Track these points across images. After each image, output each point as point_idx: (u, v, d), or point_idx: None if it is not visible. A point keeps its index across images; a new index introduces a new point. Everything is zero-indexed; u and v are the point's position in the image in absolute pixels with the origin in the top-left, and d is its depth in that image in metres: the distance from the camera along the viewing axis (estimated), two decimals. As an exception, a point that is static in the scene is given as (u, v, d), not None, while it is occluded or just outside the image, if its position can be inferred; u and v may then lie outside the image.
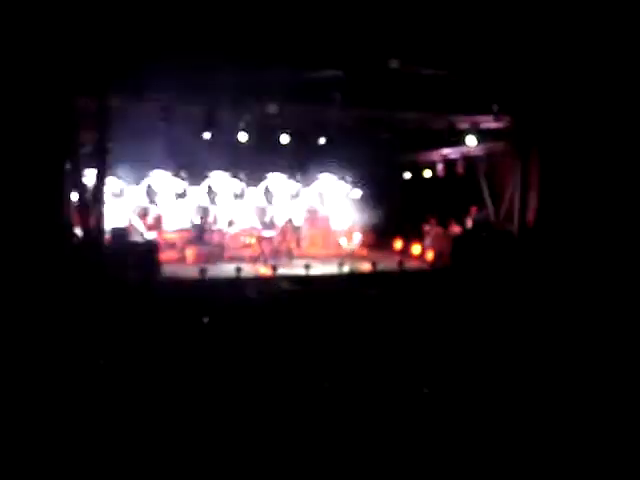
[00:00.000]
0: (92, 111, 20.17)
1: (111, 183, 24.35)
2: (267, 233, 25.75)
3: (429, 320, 16.79)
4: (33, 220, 18.49)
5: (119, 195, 25.47)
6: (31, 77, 18.37)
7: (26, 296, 16.36)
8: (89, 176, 21.21)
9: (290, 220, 27.27)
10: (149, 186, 26.25)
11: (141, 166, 25.38)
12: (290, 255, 25.21)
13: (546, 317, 17.10)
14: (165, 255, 23.57)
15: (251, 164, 27.27)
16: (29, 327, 14.54)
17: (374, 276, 22.75)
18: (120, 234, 21.45)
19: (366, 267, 23.57)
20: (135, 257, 20.48)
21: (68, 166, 19.76)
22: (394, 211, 27.99)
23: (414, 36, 20.52)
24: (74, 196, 20.51)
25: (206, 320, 16.28)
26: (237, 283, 21.02)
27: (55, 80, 18.89)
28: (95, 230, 20.18)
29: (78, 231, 20.65)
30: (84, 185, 20.68)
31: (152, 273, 20.52)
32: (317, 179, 29.20)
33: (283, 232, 26.20)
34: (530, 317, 17.18)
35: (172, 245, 25.13)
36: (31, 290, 16.64)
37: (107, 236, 21.16)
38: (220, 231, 25.98)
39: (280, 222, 27.12)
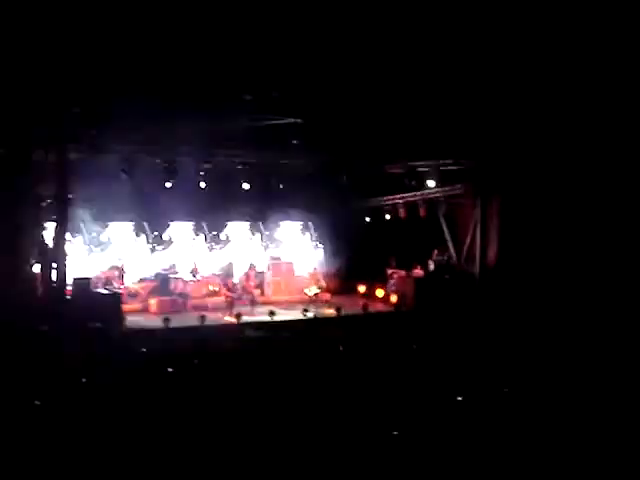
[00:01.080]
0: (50, 164, 20.16)
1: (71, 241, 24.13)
2: (230, 281, 25.67)
3: (393, 362, 16.78)
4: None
5: (80, 246, 25.24)
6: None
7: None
8: (49, 229, 21.08)
9: (252, 267, 27.26)
10: (110, 237, 26.07)
11: (102, 217, 25.21)
12: (253, 302, 25.11)
13: (508, 355, 17.21)
14: (128, 305, 23.37)
15: (213, 212, 27.24)
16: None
17: (339, 320, 22.76)
18: (82, 285, 21.25)
19: (330, 312, 23.58)
20: (98, 307, 20.31)
21: (27, 219, 19.68)
22: (357, 255, 28.06)
23: (374, 85, 20.79)
24: (35, 249, 20.42)
25: (170, 370, 16.12)
26: (201, 332, 20.90)
27: (12, 134, 18.87)
28: (58, 283, 20.03)
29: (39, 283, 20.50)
30: (44, 238, 20.54)
31: (115, 323, 20.34)
32: (279, 225, 29.22)
33: (246, 279, 26.15)
34: (492, 355, 17.27)
35: (135, 295, 24.92)
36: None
37: (69, 287, 20.98)
38: (183, 280, 25.84)
39: (242, 269, 27.08)
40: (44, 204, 20.70)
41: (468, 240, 25.38)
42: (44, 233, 20.82)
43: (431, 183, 25.09)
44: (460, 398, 13.71)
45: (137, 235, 26.42)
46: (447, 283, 24.77)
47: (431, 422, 12.44)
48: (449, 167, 24.68)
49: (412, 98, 21.47)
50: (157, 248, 26.84)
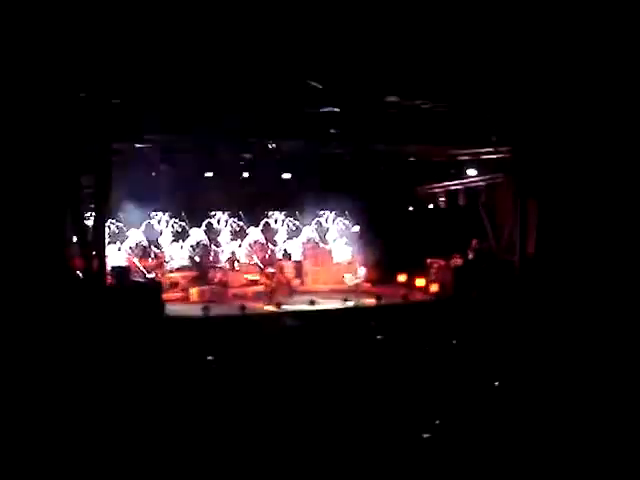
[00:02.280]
0: (91, 154, 20.27)
1: (111, 225, 24.33)
2: (269, 270, 25.66)
3: (433, 352, 16.70)
4: (35, 263, 18.48)
5: (120, 234, 25.36)
6: (36, 124, 18.47)
7: (30, 338, 16.30)
8: (90, 218, 21.22)
9: (287, 255, 27.25)
10: (150, 227, 26.19)
11: (142, 207, 25.36)
12: (291, 291, 25.09)
13: (547, 342, 17.04)
14: (169, 294, 23.46)
15: (251, 202, 27.28)
16: (35, 368, 14.47)
17: (378, 309, 22.66)
18: (121, 274, 21.35)
19: (370, 301, 23.49)
20: (137, 296, 20.40)
21: (69, 209, 19.82)
22: (397, 244, 27.90)
23: (412, 71, 20.61)
24: (75, 239, 20.56)
25: (210, 358, 16.18)
26: (241, 321, 20.93)
27: (58, 126, 18.98)
28: (96, 271, 20.14)
29: (80, 273, 20.64)
30: (85, 228, 20.67)
31: (155, 313, 20.42)
32: (319, 214, 29.17)
33: (280, 268, 26.11)
34: (531, 343, 17.11)
35: (175, 285, 25.03)
36: (35, 332, 16.57)
37: (108, 277, 21.08)
38: (223, 270, 25.91)
39: (280, 259, 27.11)
40: (85, 194, 20.80)
41: (508, 229, 25.12)
42: (85, 223, 20.94)
43: (471, 172, 24.87)
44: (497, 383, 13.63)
45: (177, 224, 26.51)
46: (487, 272, 24.53)
47: (469, 412, 12.37)
48: (489, 156, 24.43)
49: (453, 86, 21.26)
50: (197, 237, 26.91)
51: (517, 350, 16.72)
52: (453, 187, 26.63)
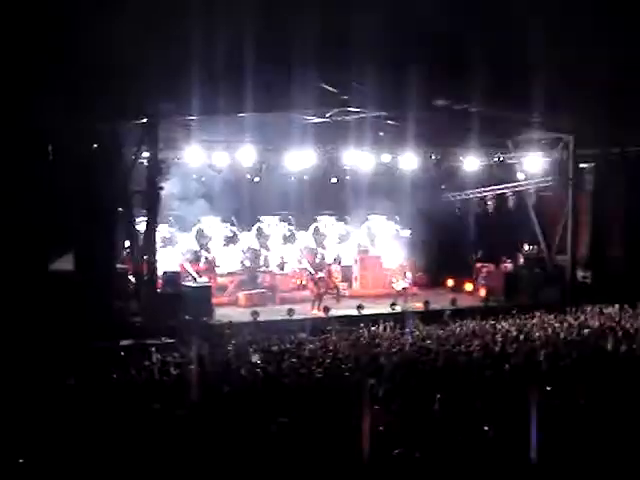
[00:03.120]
0: (141, 159, 20.61)
1: (162, 230, 24.66)
2: (318, 274, 25.74)
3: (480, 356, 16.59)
4: (88, 268, 18.84)
5: (170, 241, 25.68)
6: (88, 132, 18.88)
7: (85, 340, 16.65)
8: (140, 223, 21.55)
9: (337, 261, 27.30)
10: (200, 231, 26.48)
11: (192, 212, 25.66)
12: (339, 295, 25.14)
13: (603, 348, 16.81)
14: (217, 298, 23.69)
15: (300, 207, 27.42)
16: (86, 370, 14.74)
17: (426, 314, 22.59)
18: (172, 279, 21.62)
19: (418, 305, 23.45)
20: (188, 301, 20.64)
21: (120, 215, 20.17)
22: (445, 249, 27.84)
23: (461, 75, 20.56)
24: (127, 244, 20.93)
25: (257, 360, 16.28)
26: (289, 325, 21.02)
27: (105, 129, 19.33)
28: (148, 276, 20.44)
29: (131, 277, 20.99)
30: (136, 233, 20.98)
31: (205, 316, 20.64)
32: (367, 219, 29.21)
33: (329, 273, 26.15)
34: (584, 348, 16.89)
35: (224, 288, 25.28)
36: (90, 335, 16.92)
37: (159, 281, 21.37)
38: (271, 273, 26.08)
39: (329, 263, 27.17)
40: (135, 199, 21.13)
41: (559, 233, 24.90)
42: (136, 227, 21.26)
43: (521, 175, 24.74)
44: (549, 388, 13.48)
45: (226, 229, 26.76)
46: (537, 276, 24.35)
47: (521, 420, 12.29)
48: (540, 159, 24.28)
49: (501, 90, 21.16)
50: (246, 241, 27.13)
51: (569, 354, 16.51)
52: (502, 191, 26.44)
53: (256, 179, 24.27)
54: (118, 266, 20.97)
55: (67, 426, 10.68)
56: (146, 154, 20.55)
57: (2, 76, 16.87)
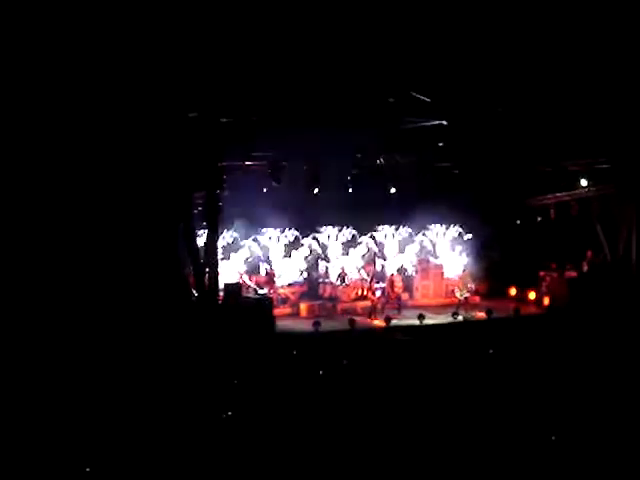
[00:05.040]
0: (202, 171, 20.80)
1: (225, 236, 24.92)
2: (378, 285, 25.63)
3: (545, 366, 16.38)
4: (154, 282, 19.08)
5: (232, 250, 25.78)
6: (149, 144, 19.12)
7: (152, 351, 16.85)
8: (202, 235, 21.74)
9: (399, 271, 27.16)
10: (260, 243, 26.58)
11: (252, 224, 25.82)
12: (400, 305, 25.00)
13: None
14: (279, 310, 23.77)
15: (360, 217, 27.34)
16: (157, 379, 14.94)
17: (489, 324, 22.38)
18: (233, 291, 21.71)
19: (481, 315, 23.23)
20: (249, 313, 20.71)
21: (181, 227, 20.38)
22: (508, 257, 27.51)
23: (520, 81, 20.38)
24: (188, 256, 21.09)
25: (321, 373, 16.30)
26: (351, 335, 21.01)
27: (170, 146, 19.56)
28: (209, 289, 20.59)
29: (194, 291, 21.16)
30: (197, 246, 21.16)
31: (267, 328, 20.70)
32: (427, 228, 29.02)
33: (391, 283, 26.02)
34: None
35: (285, 299, 25.36)
36: (152, 350, 17.10)
37: (220, 293, 21.50)
38: (332, 284, 26.06)
39: (390, 273, 27.02)
40: (196, 211, 21.34)
41: (624, 240, 24.42)
42: (197, 240, 21.46)
43: (583, 182, 24.35)
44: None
45: (286, 239, 26.82)
46: (602, 284, 23.88)
47: (589, 424, 12.10)
48: (602, 166, 23.87)
49: (562, 96, 20.89)
50: (306, 253, 27.16)
51: (635, 364, 16.21)
52: (565, 198, 26.05)
53: (315, 190, 24.24)
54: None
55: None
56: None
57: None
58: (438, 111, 21.35)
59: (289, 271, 26.63)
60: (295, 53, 18.53)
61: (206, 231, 21.28)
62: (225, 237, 25.14)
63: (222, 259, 24.01)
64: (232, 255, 25.65)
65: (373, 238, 28.13)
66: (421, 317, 22.36)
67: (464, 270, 27.43)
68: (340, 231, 27.81)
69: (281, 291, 25.60)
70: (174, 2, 16.94)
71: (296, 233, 27.04)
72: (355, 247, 27.81)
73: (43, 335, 16.80)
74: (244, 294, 22.90)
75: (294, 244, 27.03)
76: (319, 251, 27.30)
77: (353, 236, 27.93)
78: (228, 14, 17.26)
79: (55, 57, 16.83)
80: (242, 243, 26.07)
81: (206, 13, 17.13)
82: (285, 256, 26.86)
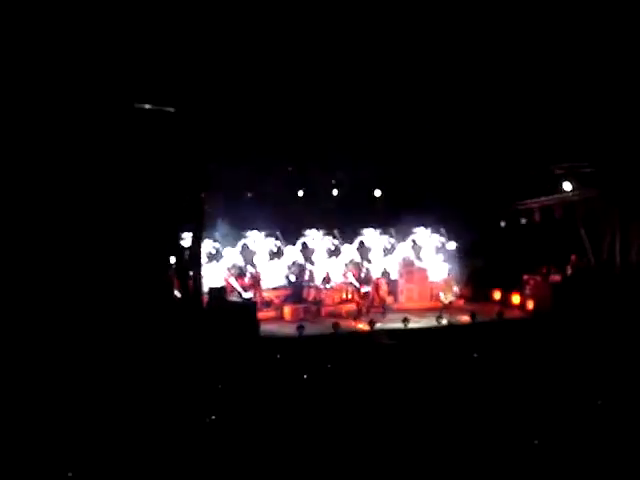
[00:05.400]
0: (186, 175, 20.74)
1: (207, 245, 24.79)
2: (363, 288, 25.63)
3: (529, 369, 16.40)
4: (138, 284, 19.00)
5: (215, 256, 25.73)
6: (134, 152, 19.08)
7: (135, 354, 16.79)
8: (186, 239, 21.66)
9: (383, 274, 27.17)
10: (245, 246, 26.51)
11: (236, 227, 25.74)
12: (385, 309, 24.99)
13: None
14: (262, 313, 23.73)
15: (345, 220, 27.31)
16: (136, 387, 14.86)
17: (473, 327, 22.40)
18: (217, 294, 21.66)
19: (465, 319, 23.25)
20: (233, 316, 20.66)
21: (164, 229, 20.30)
22: (491, 261, 27.53)
23: (506, 85, 20.49)
24: (172, 259, 21.02)
25: (305, 377, 16.27)
26: (335, 339, 20.99)
27: (154, 145, 19.50)
28: (193, 291, 20.53)
29: (177, 293, 21.08)
30: (182, 248, 21.11)
31: (251, 332, 20.66)
32: (412, 232, 29.02)
33: (376, 286, 26.05)
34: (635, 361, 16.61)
35: (269, 303, 25.31)
36: (139, 350, 17.05)
37: (205, 296, 21.44)
38: (316, 288, 26.03)
39: (375, 277, 27.01)
40: (181, 214, 21.26)
41: (607, 244, 24.50)
42: (181, 243, 21.40)
43: (567, 186, 24.39)
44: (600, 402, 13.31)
45: (270, 244, 26.76)
46: (586, 288, 23.93)
47: (572, 429, 12.12)
48: (586, 169, 23.93)
49: (548, 99, 21.01)
50: (290, 256, 27.12)
51: (618, 369, 16.25)
52: (548, 202, 26.10)
53: (299, 193, 24.21)
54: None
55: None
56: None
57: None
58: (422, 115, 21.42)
59: (274, 275, 26.59)
60: (281, 55, 18.56)
61: (191, 234, 21.23)
62: (209, 243, 25.11)
63: (207, 262, 23.98)
64: (216, 259, 25.62)
65: (358, 242, 28.10)
66: (405, 321, 22.35)
67: (449, 274, 27.48)
68: (326, 235, 27.73)
69: (265, 294, 25.55)
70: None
71: (281, 236, 26.96)
72: (340, 250, 27.76)
73: (25, 330, 16.73)
74: (229, 297, 22.84)
75: (279, 248, 26.96)
76: (304, 254, 27.25)
77: (338, 240, 27.85)
78: (215, 14, 17.30)
79: (41, 52, 16.80)
80: (226, 248, 25.99)
81: (195, 13, 17.17)
82: (270, 259, 26.80)
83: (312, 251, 27.55)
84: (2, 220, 17.54)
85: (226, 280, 24.84)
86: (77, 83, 17.49)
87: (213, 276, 24.33)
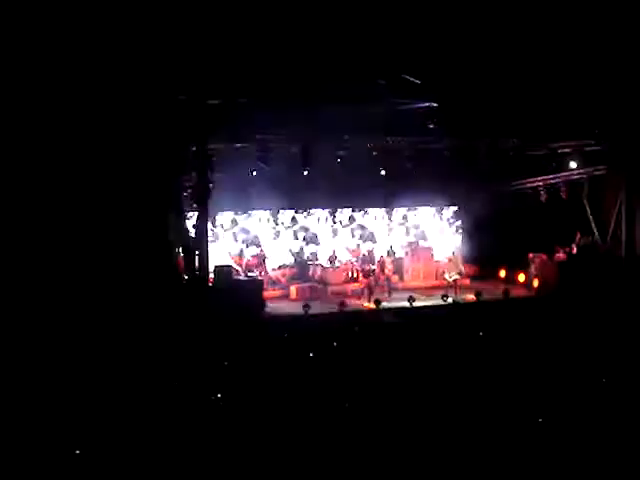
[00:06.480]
0: (191, 154, 20.70)
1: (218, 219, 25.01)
2: (369, 267, 25.63)
3: (535, 348, 16.42)
4: (143, 265, 19.01)
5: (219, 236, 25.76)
6: (136, 127, 19.00)
7: (141, 334, 16.83)
8: (192, 218, 21.65)
9: (390, 253, 27.18)
10: (250, 225, 26.51)
11: (243, 206, 25.75)
12: (390, 288, 25.02)
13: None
14: (268, 292, 23.78)
15: (350, 199, 27.26)
16: (145, 362, 14.93)
17: (479, 306, 22.43)
18: (223, 273, 21.67)
19: (470, 297, 23.26)
20: (240, 295, 20.70)
21: (171, 211, 20.29)
22: (497, 240, 27.50)
23: (512, 60, 20.36)
24: (178, 238, 21.01)
25: (312, 355, 16.30)
26: (340, 318, 21.03)
27: (157, 129, 19.44)
28: (199, 271, 20.54)
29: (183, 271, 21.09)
30: (187, 228, 21.10)
31: (257, 310, 20.71)
32: (417, 210, 28.99)
33: (381, 265, 26.06)
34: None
35: (275, 282, 25.37)
36: (142, 333, 17.08)
37: (211, 275, 21.46)
38: (322, 267, 26.06)
39: (380, 255, 27.02)
40: (186, 194, 21.24)
41: (613, 222, 24.46)
42: (187, 222, 21.39)
43: (573, 164, 24.32)
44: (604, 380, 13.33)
45: (276, 223, 26.74)
46: (591, 267, 23.91)
47: (575, 407, 12.15)
48: (591, 148, 23.84)
49: (552, 77, 20.88)
50: (296, 235, 27.12)
51: (624, 348, 16.26)
52: (555, 180, 26.03)
53: (305, 172, 24.13)
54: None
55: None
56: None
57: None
58: (428, 93, 21.29)
59: (279, 254, 26.62)
60: (284, 34, 18.46)
61: (196, 213, 21.22)
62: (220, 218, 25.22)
63: (212, 241, 23.99)
64: (222, 238, 25.67)
65: (363, 221, 28.08)
66: (411, 299, 22.38)
67: (454, 252, 27.47)
68: (331, 214, 27.67)
69: (271, 273, 25.59)
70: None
71: (286, 215, 26.91)
72: (344, 229, 27.73)
73: (28, 318, 16.77)
74: (234, 276, 22.87)
75: (284, 227, 26.93)
76: (309, 233, 27.23)
77: (343, 218, 27.78)
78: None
79: (37, 43, 16.77)
80: (232, 226, 25.98)
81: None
82: (275, 238, 26.82)
83: (317, 230, 27.54)
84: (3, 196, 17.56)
85: (232, 259, 24.88)
86: (75, 58, 17.44)
87: (219, 255, 24.35)
